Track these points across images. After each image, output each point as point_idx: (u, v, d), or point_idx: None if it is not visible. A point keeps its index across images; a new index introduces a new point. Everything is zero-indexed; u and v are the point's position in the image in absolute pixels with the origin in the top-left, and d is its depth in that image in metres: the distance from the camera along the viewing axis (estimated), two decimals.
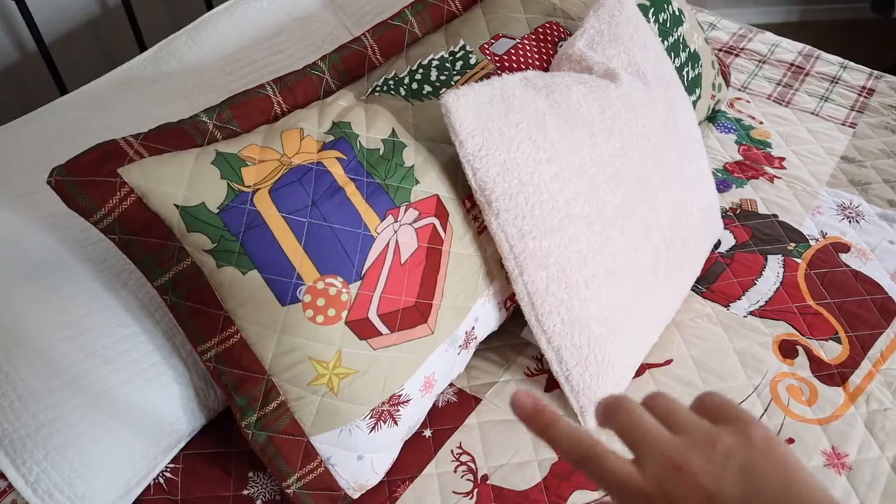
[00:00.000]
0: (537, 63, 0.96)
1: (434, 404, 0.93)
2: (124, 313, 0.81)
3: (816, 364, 0.97)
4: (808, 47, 1.50)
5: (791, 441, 0.89)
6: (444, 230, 0.82)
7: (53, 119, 0.92)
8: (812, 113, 1.36)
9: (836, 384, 0.95)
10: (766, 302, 1.04)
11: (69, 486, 0.74)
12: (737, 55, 1.50)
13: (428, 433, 0.90)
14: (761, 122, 1.34)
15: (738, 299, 1.04)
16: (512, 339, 1.00)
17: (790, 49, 1.51)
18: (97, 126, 0.91)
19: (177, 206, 0.69)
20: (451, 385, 0.95)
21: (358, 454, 0.80)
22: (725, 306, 1.04)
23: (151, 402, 0.81)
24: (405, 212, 0.78)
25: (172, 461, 0.87)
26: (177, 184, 0.69)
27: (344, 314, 0.74)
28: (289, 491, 0.78)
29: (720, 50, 1.51)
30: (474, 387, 0.95)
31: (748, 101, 1.39)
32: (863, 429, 0.91)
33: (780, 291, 1.05)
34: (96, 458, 0.76)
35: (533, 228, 0.81)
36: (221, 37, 1.03)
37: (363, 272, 0.75)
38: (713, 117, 1.35)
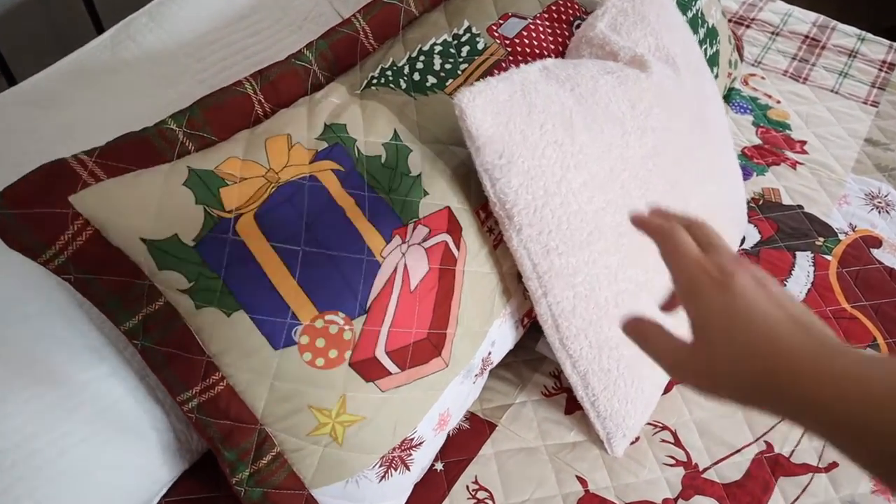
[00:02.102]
0: (552, 47, 0.84)
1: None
2: (87, 353, 0.69)
3: None
4: (823, 17, 1.40)
5: (835, 465, 0.82)
6: (458, 247, 0.71)
7: None
8: (831, 90, 1.27)
9: None
10: None
11: None
12: (748, 26, 1.39)
13: (439, 466, 0.81)
14: (778, 101, 1.25)
15: None
16: (526, 353, 0.91)
17: (803, 19, 1.40)
18: (47, 128, 0.77)
19: (144, 239, 0.57)
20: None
21: None
22: None
23: (126, 456, 0.70)
24: (414, 230, 0.68)
25: None
26: (143, 213, 0.57)
27: (347, 355, 0.64)
28: None
29: (730, 20, 1.40)
30: (488, 410, 0.86)
31: (763, 78, 1.29)
32: None
33: (811, 293, 0.97)
34: None
35: (560, 244, 0.71)
36: (188, 17, 0.89)
37: (368, 305, 0.64)
38: (728, 96, 1.25)
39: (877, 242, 1.04)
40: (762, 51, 1.34)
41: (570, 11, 0.89)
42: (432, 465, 0.80)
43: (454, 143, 0.73)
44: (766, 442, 0.84)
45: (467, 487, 0.79)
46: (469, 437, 0.83)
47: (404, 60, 0.77)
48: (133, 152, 0.61)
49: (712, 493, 0.79)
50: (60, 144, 0.73)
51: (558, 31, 0.86)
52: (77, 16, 1.13)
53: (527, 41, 0.83)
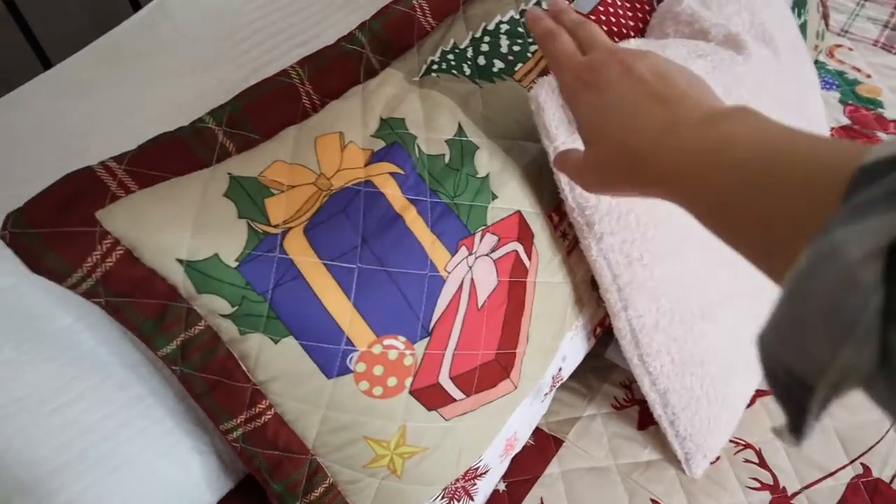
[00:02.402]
0: (631, 24, 0.75)
1: None
2: (124, 372, 0.63)
3: None
4: None
5: None
6: (529, 256, 0.63)
7: (21, 111, 0.72)
8: None
9: None
10: None
11: None
12: None
13: (502, 487, 0.75)
14: (868, 76, 1.12)
15: None
16: (594, 360, 0.83)
17: None
18: (76, 120, 0.71)
19: (180, 260, 0.50)
20: None
21: None
22: None
23: (167, 480, 0.65)
24: (481, 239, 0.60)
25: None
26: (179, 230, 0.50)
27: (408, 382, 0.57)
28: None
29: None
30: (553, 424, 0.79)
31: (851, 49, 1.16)
32: None
33: None
34: None
35: (644, 254, 0.63)
36: None
37: (431, 326, 0.57)
38: None
39: None
40: (849, 18, 1.21)
41: None
42: (495, 487, 0.74)
43: (525, 137, 0.64)
44: (862, 465, 0.75)
45: None
46: (534, 455, 0.77)
47: (467, 42, 0.69)
48: (167, 157, 0.54)
49: None
50: (92, 138, 0.67)
51: (637, 6, 0.76)
52: None
53: (604, 17, 0.74)
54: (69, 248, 0.48)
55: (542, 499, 0.74)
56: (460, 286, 0.58)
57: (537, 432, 0.78)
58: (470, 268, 0.59)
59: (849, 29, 1.19)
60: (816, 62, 1.14)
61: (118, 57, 0.75)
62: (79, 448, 0.60)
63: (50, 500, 0.58)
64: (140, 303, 0.52)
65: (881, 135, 1.04)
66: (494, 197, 0.61)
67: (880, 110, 1.08)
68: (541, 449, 0.77)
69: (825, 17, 1.12)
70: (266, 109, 0.59)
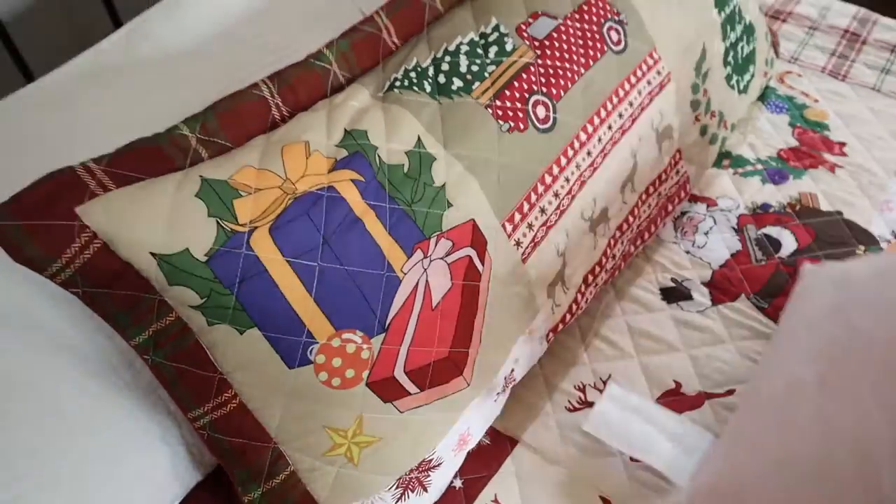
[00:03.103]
0: (581, 52, 0.80)
1: None
2: (99, 364, 0.67)
3: None
4: (864, 10, 1.34)
5: None
6: (482, 262, 0.68)
7: (6, 122, 0.76)
8: (873, 88, 1.21)
9: None
10: None
11: None
12: (784, 20, 1.33)
13: (458, 483, 0.78)
14: (816, 100, 1.19)
15: None
16: (552, 363, 0.88)
17: (843, 13, 1.34)
18: (59, 131, 0.75)
19: (153, 254, 0.54)
20: None
21: None
22: None
23: (135, 470, 0.68)
24: (436, 244, 0.64)
25: None
26: (152, 226, 0.54)
27: (365, 375, 0.61)
28: None
29: (765, 15, 1.34)
30: (510, 426, 0.83)
31: (800, 76, 1.23)
32: None
33: None
34: None
35: None
36: (203, 12, 0.86)
37: (387, 323, 0.61)
38: (763, 95, 1.20)
39: None
40: (799, 46, 1.28)
41: (602, 12, 0.84)
42: (451, 483, 0.78)
43: (480, 151, 0.69)
44: None
45: None
46: (490, 454, 0.80)
47: (429, 61, 0.74)
48: (144, 160, 0.58)
49: None
50: (73, 148, 0.71)
51: (588, 34, 0.82)
52: (97, 12, 1.10)
53: (556, 44, 0.79)
54: (49, 239, 0.53)
55: (496, 495, 0.77)
56: (416, 286, 0.63)
57: (493, 432, 0.82)
58: (425, 270, 0.63)
59: (798, 56, 1.26)
60: (768, 88, 1.21)
61: (99, 72, 0.79)
62: (53, 432, 0.63)
63: (21, 483, 0.61)
64: (115, 294, 0.56)
65: (826, 155, 1.11)
66: (450, 205, 0.66)
67: (826, 132, 1.14)
68: (496, 449, 0.81)
69: (774, 45, 1.19)
70: (238, 119, 0.64)
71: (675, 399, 0.84)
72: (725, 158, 1.11)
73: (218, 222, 0.56)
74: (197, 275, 0.55)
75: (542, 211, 0.74)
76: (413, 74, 0.72)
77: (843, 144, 1.12)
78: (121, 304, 0.57)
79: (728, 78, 1.03)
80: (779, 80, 1.23)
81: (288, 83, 0.68)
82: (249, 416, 0.61)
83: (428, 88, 0.71)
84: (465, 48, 0.75)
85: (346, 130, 0.65)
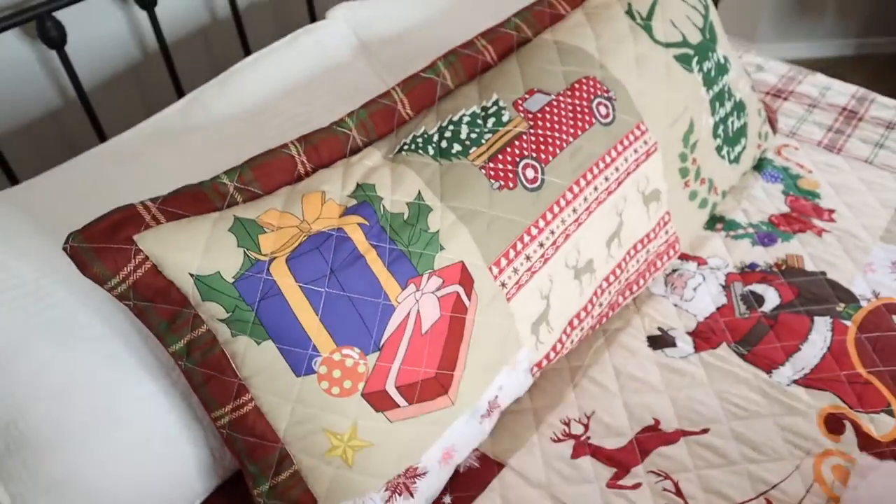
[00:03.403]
0: (571, 123, 0.92)
1: (455, 469, 0.89)
2: (142, 372, 0.80)
3: (864, 440, 0.91)
4: (863, 90, 1.43)
5: None
6: (469, 298, 0.79)
7: (83, 173, 0.92)
8: (866, 161, 1.29)
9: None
10: (812, 370, 0.98)
11: None
12: (785, 99, 1.44)
13: (448, 500, 0.87)
14: (810, 171, 1.28)
15: (782, 365, 0.98)
16: (541, 398, 0.97)
17: (842, 92, 1.44)
18: (125, 181, 0.90)
19: (192, 274, 0.68)
20: (473, 450, 0.92)
21: None
22: (768, 373, 0.98)
23: (165, 463, 0.80)
24: (428, 280, 0.76)
25: None
26: (192, 252, 0.68)
27: (360, 386, 0.72)
28: None
29: (767, 93, 1.45)
30: (498, 451, 0.91)
31: (796, 149, 1.33)
32: None
33: (827, 357, 0.99)
34: None
35: None
36: (250, 87, 1.02)
37: (381, 343, 0.72)
38: (759, 166, 1.29)
39: None
40: (798, 122, 1.38)
41: (592, 90, 0.96)
42: (441, 499, 0.87)
43: (472, 204, 0.81)
44: (766, 499, 0.86)
45: None
46: (478, 476, 0.89)
47: (435, 129, 0.87)
48: (190, 201, 0.73)
49: None
50: (135, 196, 0.86)
51: (578, 108, 0.94)
52: (164, 85, 1.30)
53: (548, 115, 0.92)
54: (111, 259, 0.66)
55: None
56: (408, 314, 0.74)
57: (483, 457, 0.91)
58: (417, 301, 0.75)
59: (797, 131, 1.36)
60: (764, 159, 1.30)
61: (160, 134, 0.95)
62: (96, 427, 0.76)
63: (73, 463, 0.74)
64: (159, 307, 0.70)
65: (815, 220, 1.18)
66: (442, 248, 0.78)
67: (817, 200, 1.22)
68: (484, 471, 0.90)
69: (771, 121, 1.30)
70: (268, 172, 0.78)
71: (653, 434, 0.92)
72: (719, 222, 1.20)
73: (245, 252, 0.69)
74: (225, 293, 0.68)
75: (528, 258, 0.85)
76: (420, 140, 0.86)
77: (832, 211, 1.20)
78: (163, 316, 0.70)
79: (718, 149, 1.14)
80: (776, 153, 1.32)
81: (313, 144, 0.82)
82: (262, 418, 0.73)
83: (431, 152, 0.84)
84: (466, 119, 0.89)
85: (357, 184, 0.79)
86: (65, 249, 0.67)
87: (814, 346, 1.01)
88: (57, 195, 0.89)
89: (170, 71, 1.23)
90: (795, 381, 0.97)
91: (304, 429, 0.72)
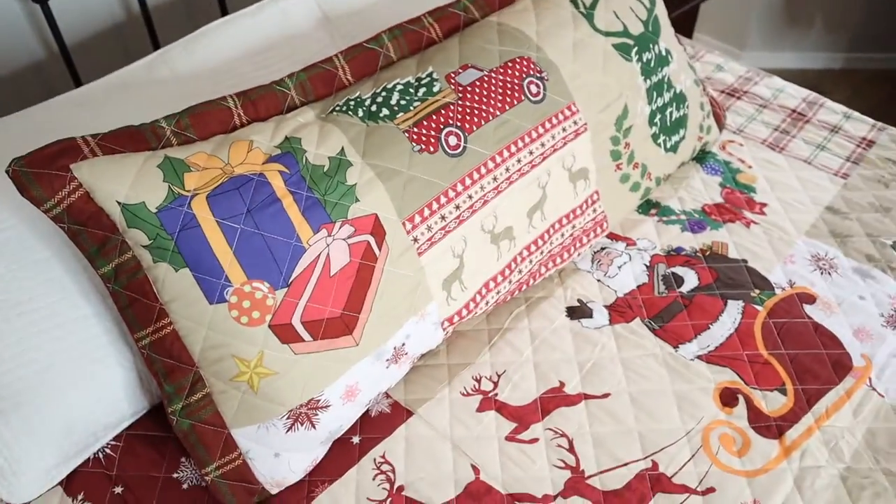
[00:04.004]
0: (500, 98, 0.99)
1: (367, 412, 0.96)
2: (78, 296, 0.87)
3: (755, 414, 0.96)
4: (814, 94, 1.48)
5: (712, 490, 0.89)
6: (380, 248, 0.86)
7: (52, 114, 1.00)
8: (805, 161, 1.34)
9: (772, 437, 0.94)
10: (717, 347, 1.04)
11: (7, 449, 0.81)
12: (738, 98, 1.49)
13: (356, 440, 0.94)
14: (750, 167, 1.33)
15: (689, 342, 1.05)
16: (457, 356, 1.03)
17: (794, 95, 1.49)
18: (85, 124, 0.98)
19: (119, 202, 0.75)
20: (387, 395, 0.99)
21: (275, 451, 0.84)
22: (675, 347, 1.04)
23: (95, 382, 0.87)
24: (340, 227, 0.83)
25: (115, 439, 0.93)
26: (121, 182, 0.75)
27: (268, 318, 0.79)
28: (207, 478, 0.83)
29: (722, 92, 1.51)
30: (410, 400, 0.98)
31: (741, 145, 1.38)
32: (791, 485, 0.90)
33: (732, 338, 1.05)
34: (37, 426, 0.83)
35: None
36: (213, 49, 1.10)
37: (290, 280, 0.79)
38: (702, 158, 1.35)
39: (811, 299, 1.10)
40: (747, 121, 1.43)
41: (525, 69, 1.03)
42: (350, 438, 0.94)
43: (391, 163, 0.88)
44: (653, 460, 0.92)
45: (374, 460, 0.92)
46: (387, 420, 0.96)
47: (369, 94, 0.94)
48: (128, 139, 0.80)
49: (591, 497, 0.88)
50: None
51: (509, 85, 1.00)
52: (145, 44, 1.38)
53: (477, 90, 0.98)
54: (48, 183, 0.74)
55: (385, 452, 0.92)
56: (318, 256, 0.81)
57: (394, 404, 0.97)
58: (328, 245, 0.82)
59: (744, 129, 1.41)
60: (707, 152, 1.36)
61: (124, 87, 1.03)
62: (32, 342, 0.83)
63: (7, 375, 0.81)
64: (90, 231, 0.77)
65: (746, 212, 1.24)
66: (357, 200, 0.85)
67: (752, 194, 1.28)
68: (394, 416, 0.96)
69: (717, 118, 1.35)
70: (205, 120, 0.85)
71: (556, 395, 0.98)
72: (654, 207, 1.26)
73: (169, 186, 0.77)
74: (148, 221, 0.76)
75: (443, 218, 0.91)
76: (352, 103, 0.92)
77: (764, 205, 1.26)
78: (94, 240, 0.78)
79: (654, 136, 1.20)
80: (721, 147, 1.38)
81: (251, 99, 0.89)
82: (179, 342, 0.80)
83: (360, 114, 0.91)
84: (399, 87, 0.96)
85: (286, 137, 0.85)
86: (7, 172, 0.74)
87: (723, 326, 1.07)
88: (25, 133, 0.96)
89: (149, 31, 1.30)
90: (699, 357, 1.03)
91: (215, 353, 0.79)
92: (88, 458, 0.90)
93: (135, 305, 0.80)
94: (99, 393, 0.87)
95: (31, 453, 0.82)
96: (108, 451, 0.92)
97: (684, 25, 2.15)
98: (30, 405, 0.82)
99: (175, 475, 0.90)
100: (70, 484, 0.88)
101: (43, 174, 0.74)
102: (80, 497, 0.87)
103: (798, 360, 1.02)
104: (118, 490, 0.88)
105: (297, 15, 1.20)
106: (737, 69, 1.57)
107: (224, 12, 1.43)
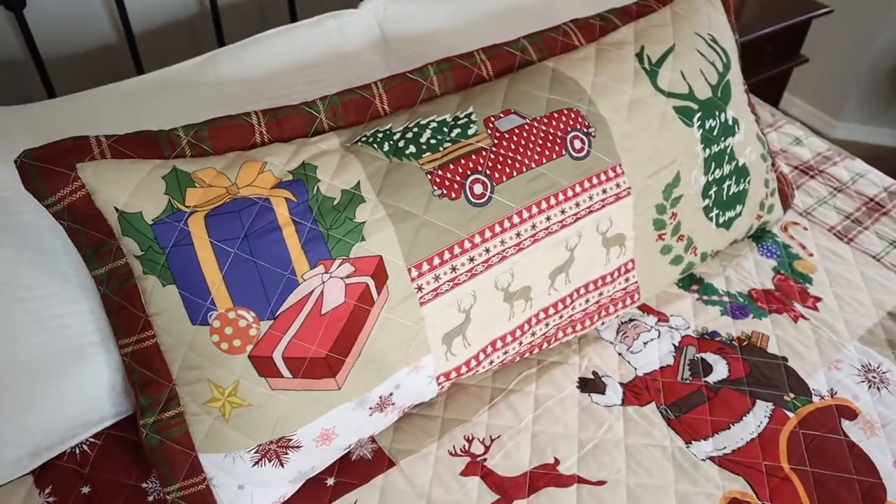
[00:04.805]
0: (538, 150, 0.93)
1: (347, 455, 0.92)
2: (79, 291, 0.87)
3: None
4: None
5: None
6: (379, 292, 0.82)
7: (91, 103, 1.01)
8: (874, 257, 1.22)
9: None
10: (734, 451, 0.95)
11: None
12: (813, 177, 1.38)
13: (331, 482, 0.90)
14: (811, 255, 1.23)
15: (704, 440, 0.96)
16: (454, 411, 0.98)
17: (876, 182, 1.37)
18: (126, 117, 0.99)
19: (116, 209, 0.74)
20: (371, 440, 0.94)
21: (240, 483, 0.81)
22: (687, 443, 0.95)
23: (79, 377, 0.87)
24: (339, 265, 0.79)
25: (95, 436, 0.92)
26: (123, 189, 0.74)
27: (248, 348, 0.76)
28: (169, 497, 0.81)
29: (796, 168, 1.40)
30: (395, 449, 0.94)
31: (805, 229, 1.27)
32: None
33: (753, 443, 0.96)
34: (13, 413, 0.83)
35: None
36: (262, 58, 1.09)
37: (278, 313, 0.76)
38: (759, 237, 1.25)
39: (852, 414, 1.00)
40: (817, 203, 1.32)
41: (572, 123, 0.97)
42: (324, 479, 0.90)
43: (407, 205, 0.84)
44: None
45: None
46: (367, 467, 0.92)
47: (400, 128, 0.90)
48: (141, 145, 0.79)
49: None
50: (128, 130, 0.93)
51: (550, 137, 0.94)
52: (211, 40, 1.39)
53: (516, 138, 0.93)
54: (51, 179, 0.74)
55: (356, 501, 0.88)
56: (311, 292, 0.78)
57: (377, 451, 0.93)
58: (323, 282, 0.78)
59: (812, 212, 1.30)
60: (767, 232, 1.26)
61: (169, 84, 1.03)
62: (24, 330, 0.83)
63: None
64: (88, 232, 0.76)
65: (796, 305, 1.14)
66: (363, 239, 0.81)
67: (807, 285, 1.17)
68: (375, 464, 0.92)
69: (783, 196, 1.25)
70: (224, 134, 0.83)
71: (549, 473, 0.92)
72: (695, 283, 1.17)
73: (170, 200, 0.75)
74: (142, 232, 0.74)
75: (453, 269, 0.86)
76: (380, 135, 0.89)
77: (818, 299, 1.15)
78: (91, 241, 0.77)
79: (707, 209, 1.11)
80: (782, 229, 1.27)
81: (275, 118, 0.87)
82: (160, 356, 0.78)
83: (386, 148, 0.88)
84: (433, 125, 0.91)
85: (303, 162, 0.83)
86: (15, 162, 0.74)
87: (745, 427, 0.97)
88: (65, 118, 0.98)
89: (216, 28, 1.31)
90: (711, 458, 0.94)
91: (192, 374, 0.77)
92: (64, 453, 0.90)
93: (122, 312, 0.78)
94: (82, 389, 0.87)
95: (5, 440, 0.82)
96: (85, 447, 0.91)
97: (774, 87, 2.03)
98: (10, 391, 0.83)
99: (144, 485, 0.88)
100: (41, 475, 0.88)
101: (49, 170, 0.74)
102: (47, 490, 0.87)
103: (823, 481, 0.92)
104: (85, 490, 0.87)
105: (355, 33, 1.18)
106: (817, 145, 1.45)
107: (293, 18, 1.43)
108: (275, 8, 1.46)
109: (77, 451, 0.91)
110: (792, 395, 1.02)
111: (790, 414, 0.99)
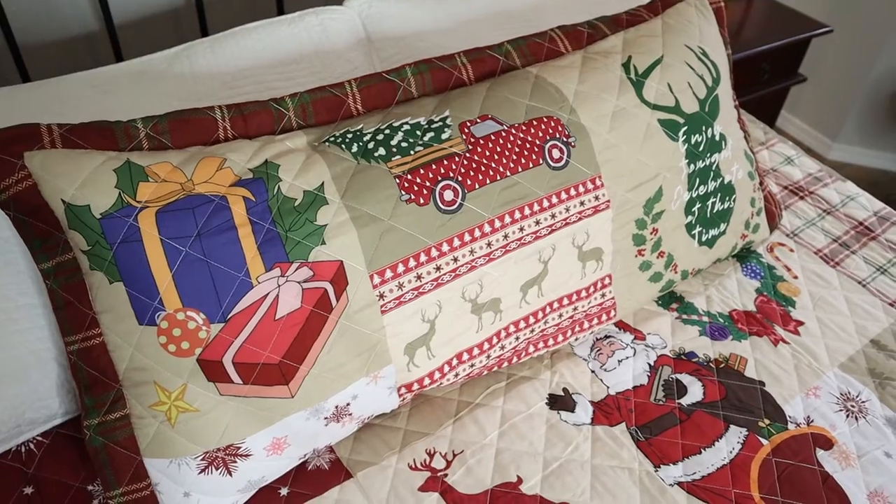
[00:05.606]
0: (514, 158, 0.90)
1: (303, 464, 0.89)
2: (31, 283, 0.84)
3: None
4: (889, 209, 1.33)
5: None
6: (338, 298, 0.79)
7: (58, 91, 0.98)
8: (859, 282, 1.19)
9: None
10: (703, 477, 0.91)
11: None
12: (802, 198, 1.35)
13: (284, 491, 0.87)
14: (795, 277, 1.20)
15: (674, 464, 0.93)
16: (418, 423, 0.95)
17: (866, 206, 1.34)
18: (93, 106, 0.96)
19: (63, 201, 0.71)
20: (329, 450, 0.91)
21: (185, 490, 0.78)
22: (656, 466, 0.92)
23: (26, 374, 0.84)
24: (297, 268, 0.76)
25: (43, 434, 0.89)
26: (70, 181, 0.71)
27: (197, 351, 0.73)
28: (112, 503, 0.78)
29: (785, 188, 1.37)
30: (352, 461, 0.91)
31: (791, 251, 1.24)
32: None
33: (724, 469, 0.92)
34: None
35: None
36: (239, 51, 1.06)
37: (229, 315, 0.73)
38: (744, 257, 1.22)
39: (827, 444, 0.96)
40: (805, 224, 1.29)
41: (550, 131, 0.94)
42: (278, 489, 0.87)
43: (372, 209, 0.81)
44: None
45: None
46: (323, 477, 0.89)
47: (371, 130, 0.87)
48: (95, 135, 0.76)
49: None
50: (95, 118, 0.90)
51: (527, 145, 0.91)
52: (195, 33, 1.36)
53: (491, 144, 0.90)
54: None
55: None
56: (265, 296, 0.75)
57: (334, 462, 0.90)
58: (279, 286, 0.75)
59: (799, 234, 1.27)
60: (751, 251, 1.23)
61: (142, 74, 1.00)
62: None
63: None
64: (35, 224, 0.73)
65: (777, 328, 1.11)
66: (323, 243, 0.78)
67: (790, 308, 1.14)
68: (331, 475, 0.89)
69: (770, 216, 1.22)
70: (185, 128, 0.80)
71: (510, 492, 0.89)
72: (675, 301, 1.14)
73: (120, 193, 0.72)
74: (89, 226, 0.71)
75: (418, 277, 0.83)
76: (349, 136, 0.86)
77: (800, 323, 1.12)
78: (38, 233, 0.74)
79: (689, 226, 1.08)
80: (768, 249, 1.24)
81: (241, 113, 0.84)
82: (107, 356, 0.75)
83: (354, 149, 0.85)
84: (406, 127, 0.89)
85: (266, 160, 0.80)
86: None
87: (717, 453, 0.94)
88: (29, 104, 0.95)
89: (199, 18, 1.29)
90: (679, 483, 0.91)
91: (139, 376, 0.74)
92: (9, 451, 0.87)
93: (69, 308, 0.75)
94: (30, 386, 0.84)
95: None
96: (32, 446, 0.88)
97: (771, 105, 2.00)
98: None
99: (90, 487, 0.85)
100: None
101: None
102: None
103: None
104: (28, 490, 0.84)
105: (338, 31, 1.15)
106: (808, 165, 1.42)
107: (280, 11, 1.40)
108: (263, 1, 1.43)
109: (23, 449, 0.88)
110: (767, 422, 0.98)
111: (764, 441, 0.96)
